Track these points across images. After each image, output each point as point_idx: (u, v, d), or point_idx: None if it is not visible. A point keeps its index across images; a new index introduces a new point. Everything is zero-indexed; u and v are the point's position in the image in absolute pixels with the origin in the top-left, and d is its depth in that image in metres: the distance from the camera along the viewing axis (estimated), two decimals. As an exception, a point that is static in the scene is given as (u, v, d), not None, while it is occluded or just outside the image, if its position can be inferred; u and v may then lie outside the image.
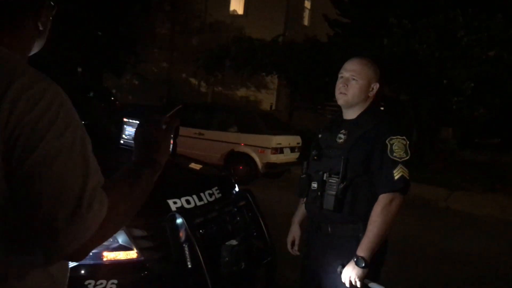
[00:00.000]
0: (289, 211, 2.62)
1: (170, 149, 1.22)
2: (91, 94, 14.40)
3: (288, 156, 9.98)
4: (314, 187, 2.26)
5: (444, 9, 11.20)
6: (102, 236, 0.99)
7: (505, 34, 10.90)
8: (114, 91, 21.01)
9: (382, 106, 13.95)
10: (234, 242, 2.63)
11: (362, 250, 2.06)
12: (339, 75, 2.28)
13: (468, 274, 5.10)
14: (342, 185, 2.14)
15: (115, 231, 1.08)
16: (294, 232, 2.53)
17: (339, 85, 2.26)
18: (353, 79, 2.22)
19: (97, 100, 13.61)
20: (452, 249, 5.99)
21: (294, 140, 10.35)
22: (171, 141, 1.23)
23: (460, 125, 15.60)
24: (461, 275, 5.05)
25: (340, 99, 2.25)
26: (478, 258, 5.73)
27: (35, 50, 1.13)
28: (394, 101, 13.72)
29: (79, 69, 18.68)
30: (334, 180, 2.16)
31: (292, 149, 10.13)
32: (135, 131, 1.21)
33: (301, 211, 2.50)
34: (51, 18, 1.13)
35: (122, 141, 1.25)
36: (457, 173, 11.37)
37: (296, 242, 2.52)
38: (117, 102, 18.15)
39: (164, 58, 23.44)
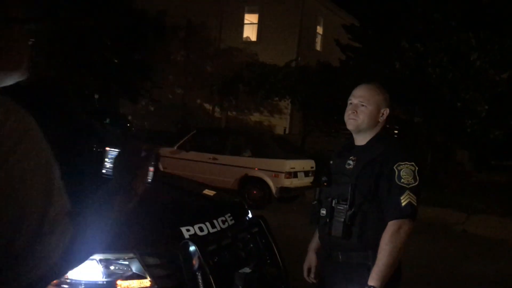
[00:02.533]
0: (304, 236, 2.61)
1: (149, 177, 1.21)
2: (108, 120, 14.61)
3: (302, 181, 9.96)
4: (323, 213, 2.26)
5: (456, 32, 11.24)
6: (67, 264, 0.95)
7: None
8: (130, 117, 21.29)
9: (396, 129, 13.94)
10: (247, 269, 2.62)
11: (373, 280, 2.04)
12: (348, 102, 2.30)
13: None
14: (350, 212, 2.14)
15: (83, 258, 1.03)
16: (310, 259, 2.51)
17: (348, 112, 2.27)
18: (362, 105, 2.23)
19: (114, 127, 13.80)
20: (469, 274, 5.88)
21: (308, 164, 10.34)
22: (150, 169, 1.21)
23: (475, 147, 15.44)
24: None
25: (350, 125, 2.27)
26: (497, 283, 5.61)
27: (10, 81, 1.08)
28: (408, 123, 13.68)
29: (96, 96, 19.00)
30: (342, 206, 2.16)
31: (306, 173, 10.11)
32: (115, 158, 1.20)
33: (317, 238, 2.48)
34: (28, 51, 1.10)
35: (104, 171, 1.25)
36: (474, 196, 11.20)
37: (312, 270, 2.49)
38: (133, 128, 18.40)
39: (179, 83, 23.75)
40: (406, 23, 12.50)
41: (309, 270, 2.51)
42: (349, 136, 2.38)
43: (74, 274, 2.18)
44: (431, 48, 11.34)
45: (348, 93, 2.35)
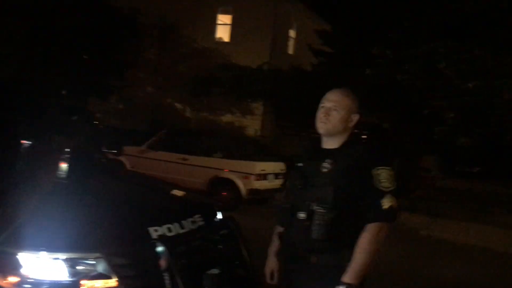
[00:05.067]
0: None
1: (62, 172, 1.14)
2: (75, 117, 14.31)
3: (272, 183, 9.97)
4: (302, 217, 2.23)
5: (426, 41, 11.49)
6: None
7: (484, 66, 11.19)
8: (99, 115, 20.91)
9: (365, 135, 14.15)
10: (216, 271, 2.60)
11: (351, 277, 2.08)
12: (320, 105, 2.33)
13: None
14: (331, 215, 2.15)
15: None
16: (272, 263, 2.49)
17: (320, 115, 2.31)
18: (334, 109, 2.27)
19: (81, 124, 13.52)
20: (433, 277, 6.00)
21: (278, 166, 10.37)
22: (63, 163, 1.15)
23: (441, 154, 15.82)
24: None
25: (321, 128, 2.30)
26: (460, 286, 5.75)
27: None
28: (377, 128, 13.89)
29: (64, 92, 18.56)
30: (322, 209, 2.17)
31: (276, 176, 10.14)
32: (25, 150, 1.14)
33: (277, 242, 2.48)
34: None
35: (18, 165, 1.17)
36: (438, 201, 11.46)
37: (275, 274, 2.49)
38: (101, 127, 18.07)
39: (150, 82, 23.47)
40: (378, 30, 12.70)
41: (271, 274, 2.50)
42: (315, 139, 2.40)
43: (37, 273, 2.12)
44: (402, 56, 11.56)
45: (319, 98, 2.38)
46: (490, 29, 11.40)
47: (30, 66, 15.39)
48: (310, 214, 2.20)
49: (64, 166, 1.12)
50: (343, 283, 2.08)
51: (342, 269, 2.14)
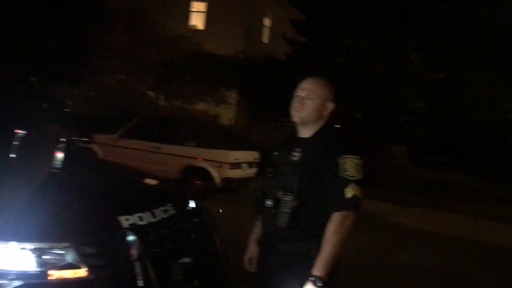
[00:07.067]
0: (246, 227, 2.62)
1: (58, 162, 1.13)
2: (45, 105, 14.00)
3: (246, 172, 9.99)
4: (268, 204, 2.26)
5: (397, 32, 11.63)
6: None
7: (454, 57, 11.41)
8: (69, 102, 20.46)
9: (338, 124, 14.27)
10: (187, 259, 2.60)
11: (319, 270, 2.07)
12: (295, 94, 2.34)
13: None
14: (296, 203, 2.17)
15: None
16: (252, 250, 2.52)
17: (294, 104, 2.32)
18: (308, 98, 2.29)
19: (51, 111, 13.23)
20: (402, 264, 6.14)
21: (252, 155, 10.38)
22: (59, 153, 1.14)
23: (411, 143, 16.10)
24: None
25: (295, 117, 2.32)
26: (427, 272, 5.91)
27: None
28: (350, 118, 14.03)
29: (34, 79, 18.10)
30: (288, 197, 2.18)
31: (250, 165, 10.15)
32: (21, 140, 1.13)
33: (258, 229, 2.50)
34: None
35: (13, 155, 1.15)
36: (407, 190, 11.69)
37: (254, 261, 2.51)
38: (70, 114, 17.71)
39: (122, 69, 23.04)
40: (351, 20, 12.78)
41: (250, 260, 2.53)
42: (293, 128, 2.41)
43: (4, 263, 2.08)
44: (373, 46, 11.67)
45: (293, 87, 2.39)
46: (458, 23, 11.62)
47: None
48: (276, 201, 2.22)
49: (59, 156, 1.10)
50: (312, 276, 2.07)
51: (310, 258, 2.14)
